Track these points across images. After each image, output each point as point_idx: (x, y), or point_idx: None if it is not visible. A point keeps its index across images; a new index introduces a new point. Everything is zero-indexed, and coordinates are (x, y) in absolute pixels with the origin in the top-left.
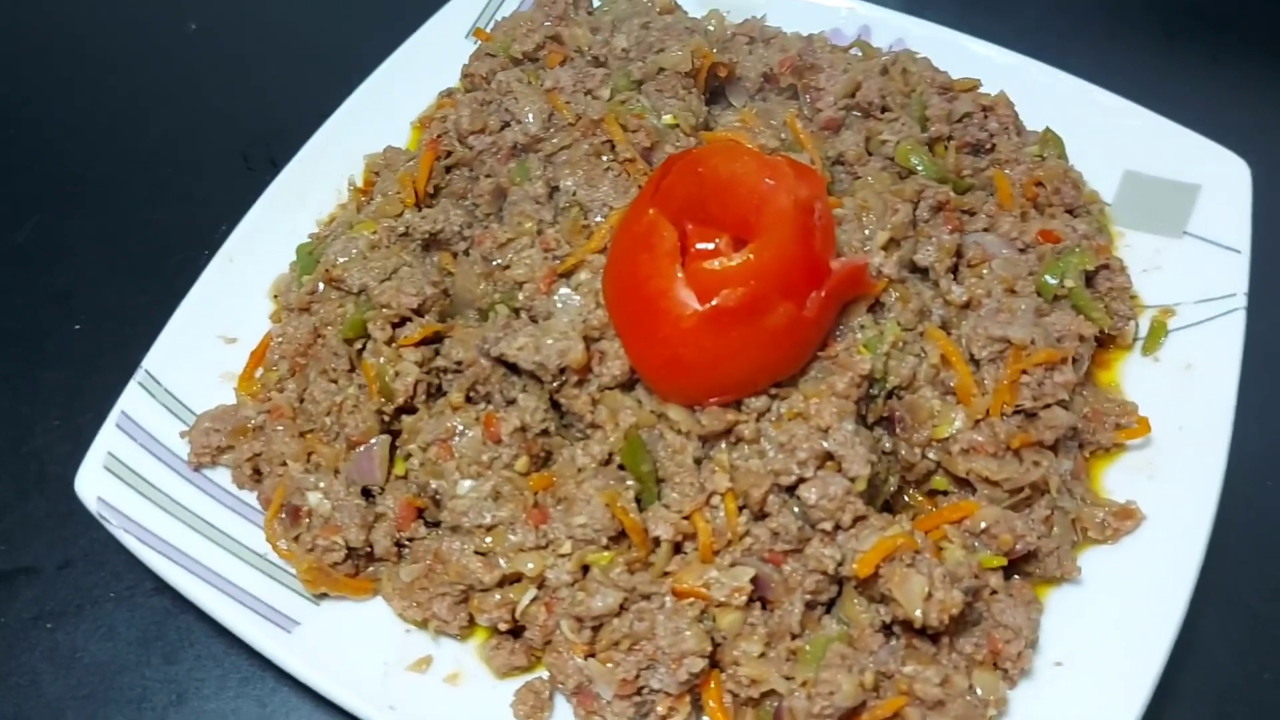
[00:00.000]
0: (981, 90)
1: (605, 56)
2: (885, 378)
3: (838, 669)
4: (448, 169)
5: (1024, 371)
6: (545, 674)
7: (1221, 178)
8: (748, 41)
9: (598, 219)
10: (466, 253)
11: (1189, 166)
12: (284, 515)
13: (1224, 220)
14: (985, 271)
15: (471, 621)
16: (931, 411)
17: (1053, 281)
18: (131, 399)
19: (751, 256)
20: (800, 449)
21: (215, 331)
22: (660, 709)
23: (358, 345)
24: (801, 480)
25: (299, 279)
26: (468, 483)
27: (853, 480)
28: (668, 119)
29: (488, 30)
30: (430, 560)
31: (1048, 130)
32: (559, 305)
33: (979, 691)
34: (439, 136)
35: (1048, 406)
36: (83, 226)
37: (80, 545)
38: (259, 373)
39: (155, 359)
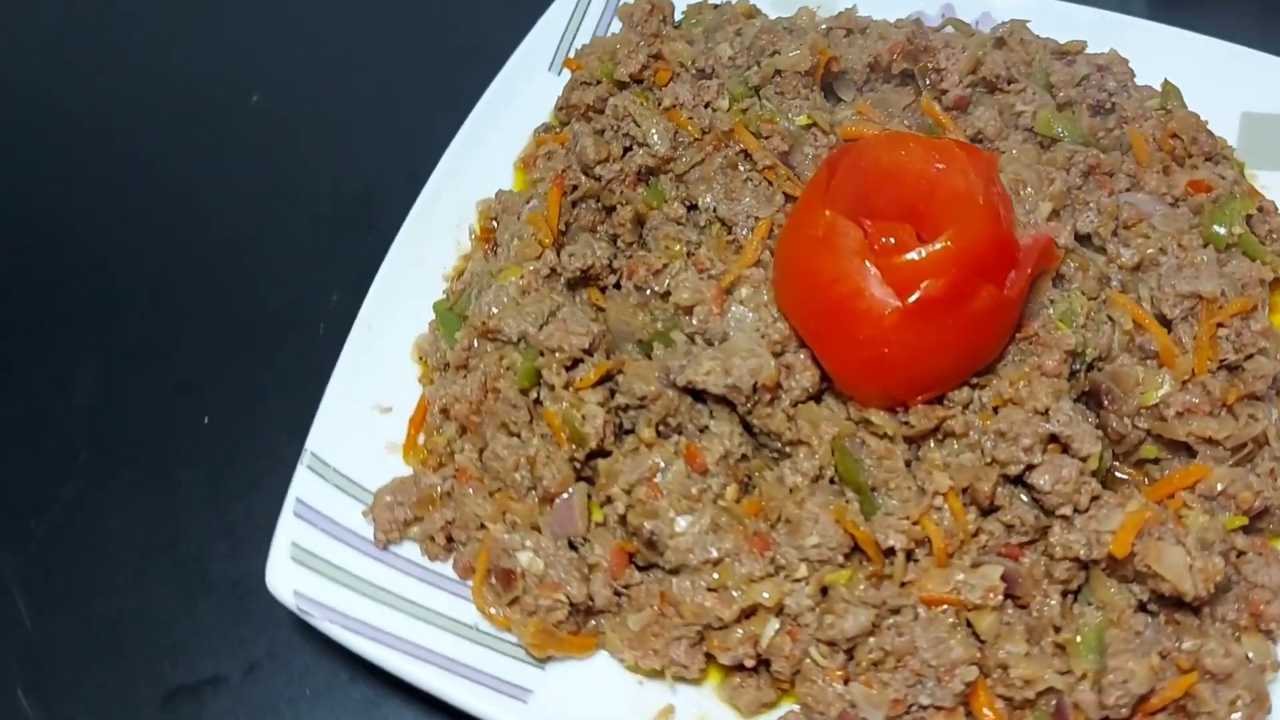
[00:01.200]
0: (1089, 51)
1: (712, 68)
2: (1084, 351)
3: (1127, 656)
4: (573, 203)
5: (1219, 324)
6: (796, 706)
7: None
8: (845, 34)
9: (744, 232)
10: (617, 285)
11: None
12: (493, 580)
13: None
14: (1148, 230)
15: (707, 662)
16: (1136, 379)
17: (1222, 231)
18: (303, 484)
19: (950, 244)
20: (1024, 435)
21: (369, 403)
22: None
23: (531, 395)
24: (1030, 467)
25: (449, 337)
26: (684, 519)
27: (1084, 459)
28: (801, 119)
29: (571, 59)
30: (658, 605)
31: (1166, 82)
32: (732, 324)
33: (1251, 657)
34: (563, 171)
35: (1250, 357)
36: (190, 316)
37: (262, 646)
38: (420, 439)
39: (318, 440)
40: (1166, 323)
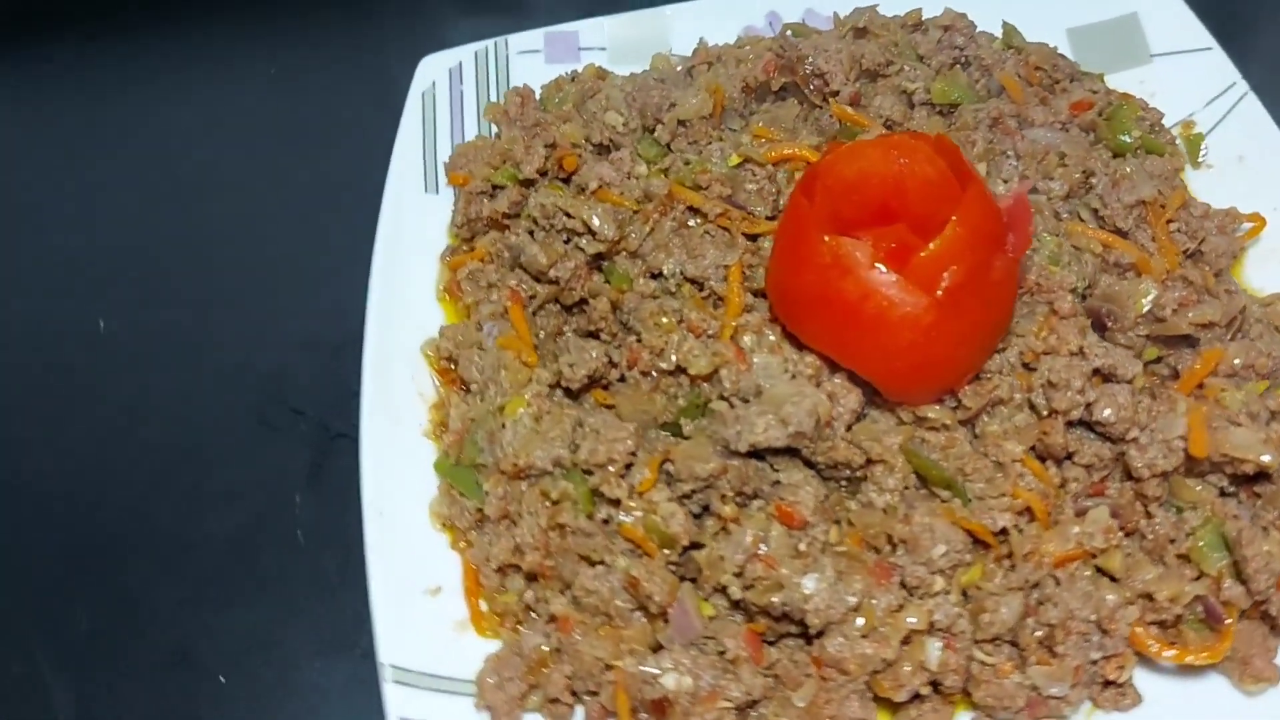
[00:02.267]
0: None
1: (608, 139)
2: (1077, 285)
3: (1259, 541)
4: (533, 314)
5: (1169, 221)
6: (969, 715)
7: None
8: (707, 68)
9: (718, 284)
10: (622, 379)
11: (1114, 4)
12: (643, 715)
13: (1177, 30)
14: (1060, 159)
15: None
16: (1127, 293)
17: (1127, 139)
18: (398, 702)
19: (959, 228)
20: (1074, 379)
21: (417, 590)
22: (1107, 673)
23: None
24: (1088, 406)
25: (473, 493)
26: (810, 580)
27: (1131, 381)
28: (733, 159)
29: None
30: (814, 672)
31: (1005, 23)
32: (760, 374)
33: None
34: (517, 285)
35: (1203, 240)
36: (159, 575)
37: None
38: (483, 605)
39: (389, 651)
40: (1123, 235)
